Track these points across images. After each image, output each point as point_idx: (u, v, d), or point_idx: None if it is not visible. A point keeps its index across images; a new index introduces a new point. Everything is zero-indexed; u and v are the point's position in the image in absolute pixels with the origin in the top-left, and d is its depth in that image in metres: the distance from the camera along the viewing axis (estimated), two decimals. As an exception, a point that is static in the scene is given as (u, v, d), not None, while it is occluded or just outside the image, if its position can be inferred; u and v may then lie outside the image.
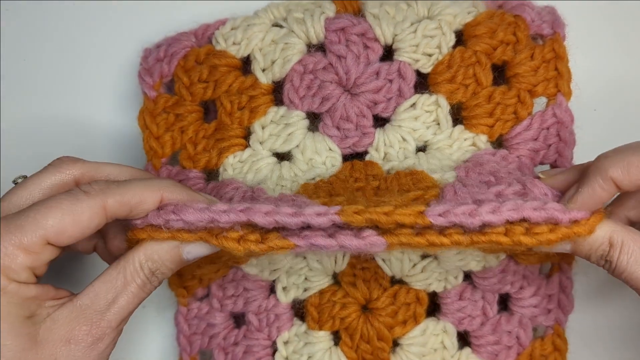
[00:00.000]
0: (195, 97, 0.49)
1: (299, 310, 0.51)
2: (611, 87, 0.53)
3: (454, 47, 0.48)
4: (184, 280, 0.49)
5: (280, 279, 0.50)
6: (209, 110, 0.51)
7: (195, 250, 0.41)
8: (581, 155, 0.50)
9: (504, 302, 0.50)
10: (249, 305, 0.50)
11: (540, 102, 0.48)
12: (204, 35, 0.51)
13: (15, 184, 0.42)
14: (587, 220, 0.38)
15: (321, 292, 0.49)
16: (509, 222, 0.38)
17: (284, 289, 0.49)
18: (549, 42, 0.47)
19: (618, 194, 0.43)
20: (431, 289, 0.49)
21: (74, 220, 0.37)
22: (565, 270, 0.50)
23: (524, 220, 0.38)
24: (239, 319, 0.52)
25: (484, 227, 0.38)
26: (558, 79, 0.47)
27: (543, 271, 0.51)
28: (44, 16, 0.55)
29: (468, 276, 0.49)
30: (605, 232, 0.39)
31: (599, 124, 0.52)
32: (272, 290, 0.50)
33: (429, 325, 0.49)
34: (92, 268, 0.54)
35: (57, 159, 0.43)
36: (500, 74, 0.49)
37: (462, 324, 0.49)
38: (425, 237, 0.38)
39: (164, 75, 0.50)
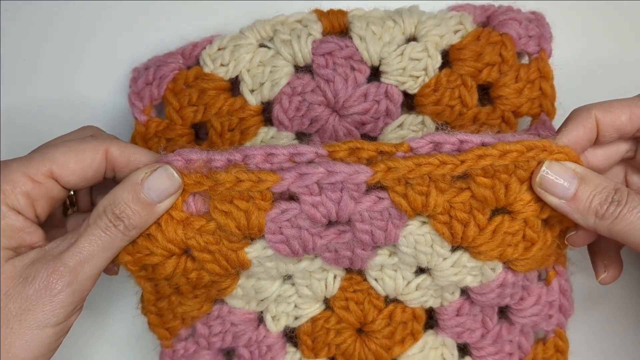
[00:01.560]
0: (185, 121, 0.50)
1: (292, 337, 0.50)
2: (611, 86, 0.52)
3: (441, 66, 0.48)
4: (166, 321, 0.48)
5: (269, 308, 0.48)
6: (199, 129, 0.52)
7: (156, 184, 0.40)
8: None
9: (503, 310, 0.50)
10: (239, 339, 0.49)
11: (527, 120, 0.49)
12: (192, 54, 0.51)
13: None
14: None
15: (313, 320, 0.49)
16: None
17: (274, 318, 0.49)
18: (534, 62, 0.48)
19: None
20: (427, 305, 0.48)
21: (77, 157, 0.40)
22: (562, 273, 0.49)
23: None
24: (229, 352, 0.51)
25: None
26: (542, 98, 0.48)
27: (540, 278, 0.50)
28: (44, 16, 0.55)
29: (465, 290, 0.48)
30: (616, 176, 0.43)
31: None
32: (260, 320, 0.49)
33: (428, 340, 0.49)
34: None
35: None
36: (486, 91, 0.49)
37: (462, 337, 0.49)
38: (410, 159, 0.40)
39: (153, 98, 0.50)
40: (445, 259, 0.45)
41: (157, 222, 0.42)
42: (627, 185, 0.46)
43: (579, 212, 0.40)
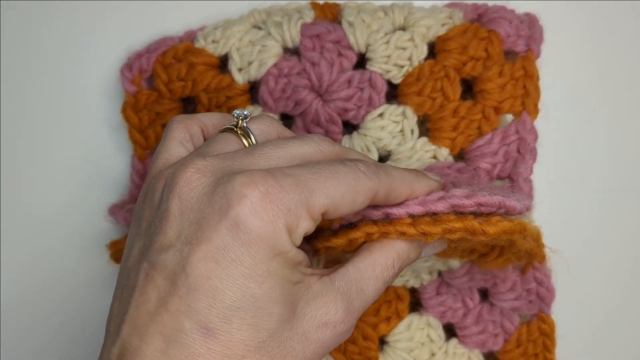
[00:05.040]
0: (174, 94, 0.51)
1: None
2: (610, 87, 0.52)
3: (426, 59, 0.48)
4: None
5: None
6: (189, 102, 0.52)
7: (432, 250, 0.39)
8: (581, 155, 0.51)
9: (485, 293, 0.50)
10: None
11: (508, 119, 0.48)
12: (189, 38, 0.52)
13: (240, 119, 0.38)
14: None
15: None
16: (412, 216, 0.37)
17: None
18: (519, 60, 0.48)
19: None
20: (409, 285, 0.50)
21: (351, 200, 0.34)
22: (538, 268, 0.49)
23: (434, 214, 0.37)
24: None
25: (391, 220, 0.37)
26: (525, 97, 0.47)
27: (517, 267, 0.49)
28: (44, 16, 0.55)
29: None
30: None
31: (598, 124, 0.52)
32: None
33: (413, 320, 0.50)
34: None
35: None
36: (471, 88, 0.49)
37: (445, 316, 0.50)
38: (339, 236, 0.37)
39: (142, 70, 0.51)
40: None
41: None
42: None
43: None
